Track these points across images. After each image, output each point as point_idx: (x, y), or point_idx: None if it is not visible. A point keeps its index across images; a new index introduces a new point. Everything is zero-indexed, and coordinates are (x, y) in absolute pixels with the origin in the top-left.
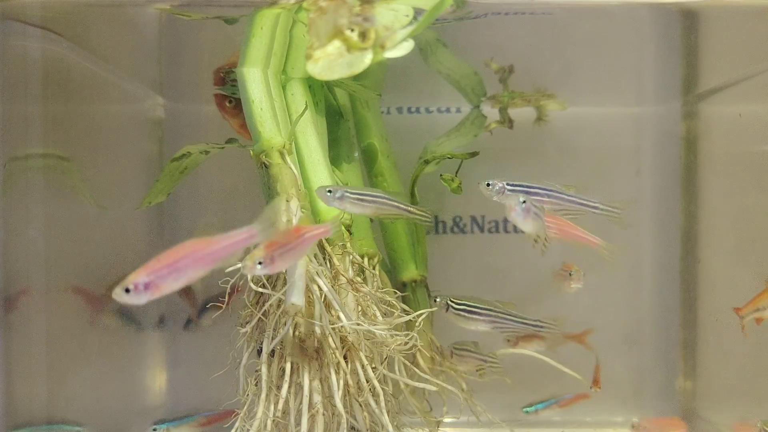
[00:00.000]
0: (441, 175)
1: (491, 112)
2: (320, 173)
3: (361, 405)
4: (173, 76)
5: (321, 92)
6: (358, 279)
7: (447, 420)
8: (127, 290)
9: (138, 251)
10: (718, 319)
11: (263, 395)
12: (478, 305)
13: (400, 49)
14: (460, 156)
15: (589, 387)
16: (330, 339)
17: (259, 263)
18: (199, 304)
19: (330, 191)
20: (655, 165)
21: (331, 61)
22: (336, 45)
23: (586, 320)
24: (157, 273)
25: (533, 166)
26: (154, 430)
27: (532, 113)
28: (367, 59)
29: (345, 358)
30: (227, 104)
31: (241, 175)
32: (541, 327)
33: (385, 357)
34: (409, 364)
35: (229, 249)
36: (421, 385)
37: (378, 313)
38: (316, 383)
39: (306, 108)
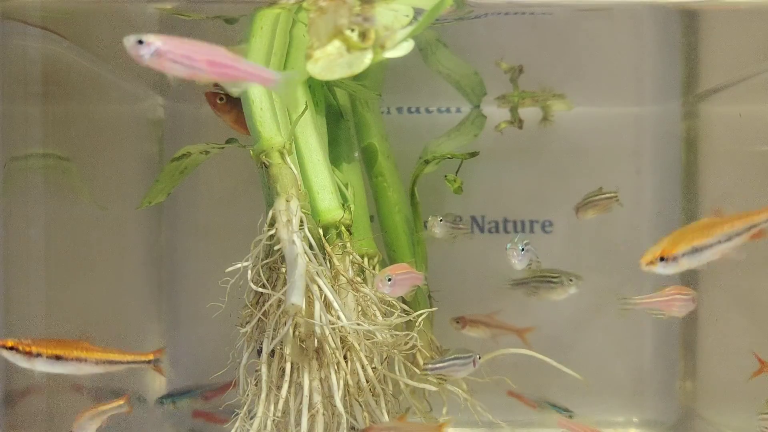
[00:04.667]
0: (445, 175)
1: (493, 112)
2: (320, 173)
3: (361, 405)
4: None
5: (321, 92)
6: (358, 279)
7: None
8: (140, 41)
9: (138, 251)
10: (718, 319)
11: (263, 395)
12: None
13: (400, 49)
14: (460, 156)
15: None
16: (330, 339)
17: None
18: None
19: None
20: (655, 165)
21: (331, 61)
22: (336, 45)
23: (586, 321)
24: (173, 50)
25: (533, 166)
26: (161, 403)
27: (534, 113)
28: (367, 59)
29: (345, 358)
30: (218, 101)
31: (241, 175)
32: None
33: (385, 357)
34: (409, 364)
35: (244, 75)
36: (421, 385)
37: (378, 313)
38: (316, 383)
39: (306, 108)
